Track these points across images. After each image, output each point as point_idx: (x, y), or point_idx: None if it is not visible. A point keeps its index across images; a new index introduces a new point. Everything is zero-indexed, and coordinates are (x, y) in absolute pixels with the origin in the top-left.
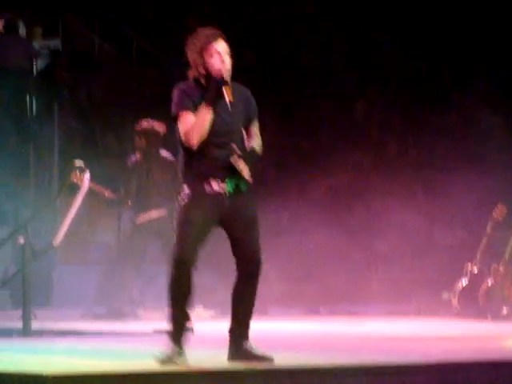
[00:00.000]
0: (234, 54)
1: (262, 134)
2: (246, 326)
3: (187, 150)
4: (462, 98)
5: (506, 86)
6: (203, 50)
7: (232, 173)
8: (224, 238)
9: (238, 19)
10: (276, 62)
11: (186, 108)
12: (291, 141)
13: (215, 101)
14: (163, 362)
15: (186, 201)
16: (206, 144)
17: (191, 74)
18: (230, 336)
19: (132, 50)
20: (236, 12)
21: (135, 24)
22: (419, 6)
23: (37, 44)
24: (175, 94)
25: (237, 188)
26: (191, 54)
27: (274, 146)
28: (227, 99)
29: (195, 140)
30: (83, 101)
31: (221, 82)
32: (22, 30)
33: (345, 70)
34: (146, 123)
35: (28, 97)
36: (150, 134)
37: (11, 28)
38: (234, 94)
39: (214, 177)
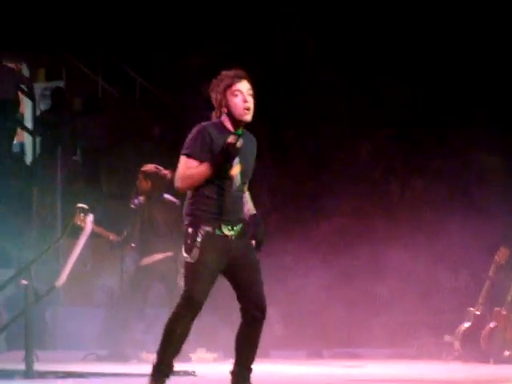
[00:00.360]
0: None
1: (263, 178)
2: (249, 370)
3: (196, 195)
4: (461, 141)
5: (504, 127)
6: (226, 90)
7: (240, 215)
8: (226, 281)
9: (239, 60)
10: (277, 102)
11: (194, 154)
12: (293, 184)
13: (220, 167)
14: None
15: (196, 242)
16: (216, 186)
17: (215, 115)
18: (232, 378)
19: (135, 92)
20: (238, 54)
21: (138, 65)
22: (424, 50)
23: (40, 86)
24: (194, 132)
25: (240, 232)
26: (215, 95)
27: (275, 190)
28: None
29: (184, 187)
30: (86, 143)
31: (232, 149)
32: (26, 72)
33: (347, 114)
34: (153, 167)
35: (32, 138)
36: (156, 177)
37: None
38: (246, 144)
39: (225, 218)
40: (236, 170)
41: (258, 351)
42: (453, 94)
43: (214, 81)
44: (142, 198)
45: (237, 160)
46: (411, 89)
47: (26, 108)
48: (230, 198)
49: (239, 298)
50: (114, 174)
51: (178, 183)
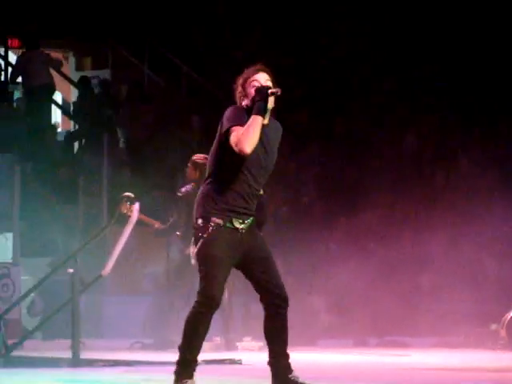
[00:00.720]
0: (283, 87)
1: (309, 166)
2: (286, 358)
3: (214, 181)
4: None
5: None
6: (245, 82)
7: (252, 210)
8: None
9: (284, 51)
10: (326, 91)
11: (240, 123)
12: (338, 172)
13: (263, 108)
14: None
15: (207, 235)
16: (236, 174)
17: None
18: (271, 369)
19: (181, 81)
20: (282, 44)
21: (184, 54)
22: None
23: (86, 74)
24: (230, 110)
25: (251, 225)
26: (236, 91)
27: (321, 178)
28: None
29: (247, 146)
30: (133, 132)
31: (267, 89)
32: (72, 61)
33: (396, 102)
34: (202, 156)
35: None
36: (205, 166)
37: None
38: (271, 131)
39: (238, 213)
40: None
41: (305, 340)
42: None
43: (237, 78)
44: (189, 187)
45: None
46: (460, 73)
47: (73, 96)
48: (245, 193)
49: (259, 291)
50: (159, 164)
51: (238, 147)
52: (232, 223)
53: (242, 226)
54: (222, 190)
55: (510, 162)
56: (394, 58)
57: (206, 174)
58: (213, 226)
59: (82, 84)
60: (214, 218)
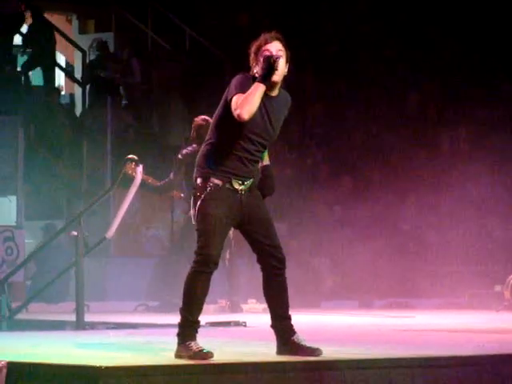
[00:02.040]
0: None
1: (315, 129)
2: (288, 319)
3: (214, 144)
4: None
5: None
6: (257, 51)
7: (253, 173)
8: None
9: (289, 17)
10: (328, 54)
11: (242, 91)
12: (343, 136)
13: (267, 76)
14: (193, 357)
15: (205, 194)
16: (237, 139)
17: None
18: (274, 331)
19: (185, 44)
20: (287, 10)
21: (188, 17)
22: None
23: (89, 37)
24: (237, 78)
25: (251, 186)
26: (250, 57)
27: (325, 139)
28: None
29: (245, 112)
30: (136, 94)
31: (273, 57)
32: (75, 24)
33: (398, 63)
34: (201, 118)
35: (81, 89)
36: (204, 128)
37: None
38: (279, 103)
39: (237, 175)
40: (279, 75)
41: (310, 302)
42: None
43: (252, 43)
44: (189, 149)
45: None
46: (464, 39)
47: (76, 59)
48: (245, 158)
49: (256, 252)
50: (164, 125)
51: (236, 113)
52: (231, 184)
53: (242, 187)
54: (222, 153)
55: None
56: (396, 20)
57: (208, 135)
58: (211, 186)
59: (102, 48)
60: (212, 179)
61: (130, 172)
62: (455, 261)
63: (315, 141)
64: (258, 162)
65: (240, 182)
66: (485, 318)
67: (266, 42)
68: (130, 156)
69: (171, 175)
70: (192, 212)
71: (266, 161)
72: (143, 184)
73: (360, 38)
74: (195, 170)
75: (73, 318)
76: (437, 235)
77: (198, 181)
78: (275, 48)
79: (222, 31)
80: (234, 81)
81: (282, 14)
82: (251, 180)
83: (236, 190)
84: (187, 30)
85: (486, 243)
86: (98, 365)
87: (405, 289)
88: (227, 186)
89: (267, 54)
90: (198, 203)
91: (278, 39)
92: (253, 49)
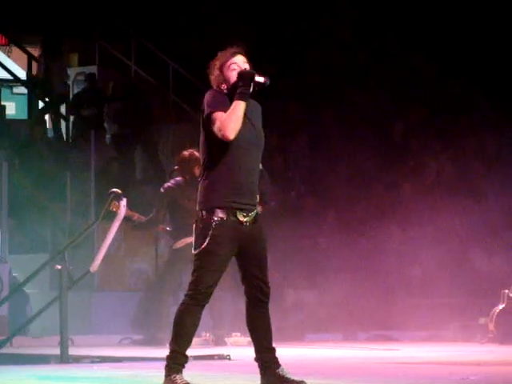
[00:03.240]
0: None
1: (299, 161)
2: (272, 352)
3: (210, 170)
4: (498, 120)
5: None
6: (223, 67)
7: (254, 201)
8: None
9: (274, 46)
10: (313, 84)
11: (221, 107)
12: (328, 166)
13: (247, 93)
14: None
15: (209, 229)
16: (231, 152)
17: None
18: (258, 364)
19: (169, 77)
20: (273, 41)
21: (171, 51)
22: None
23: (73, 71)
24: (209, 95)
25: (255, 218)
26: (212, 75)
27: (309, 172)
28: (262, 79)
29: (230, 132)
30: (120, 128)
31: (251, 73)
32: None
33: (383, 94)
34: (186, 152)
35: (65, 122)
36: (187, 162)
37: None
38: (252, 110)
39: (241, 203)
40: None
41: (294, 335)
42: (489, 74)
43: (211, 62)
44: (172, 182)
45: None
46: (447, 70)
47: None
48: (244, 174)
49: (244, 283)
50: (148, 159)
51: (221, 133)
52: (236, 216)
53: (246, 219)
54: (220, 176)
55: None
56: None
57: (202, 167)
58: (216, 221)
59: (91, 81)
60: (217, 211)
61: (113, 209)
62: (439, 293)
63: (299, 173)
64: (256, 176)
65: (244, 214)
66: (469, 351)
67: (230, 57)
68: (114, 190)
69: (154, 211)
70: (193, 242)
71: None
72: (128, 219)
73: (343, 68)
74: (198, 202)
75: (57, 351)
76: (421, 268)
77: (203, 213)
78: (241, 61)
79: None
80: (206, 98)
81: (264, 43)
82: (255, 211)
83: (241, 222)
84: (171, 64)
85: (470, 275)
86: None
87: (389, 321)
88: (232, 218)
89: (236, 68)
90: (201, 238)
91: (240, 53)
92: (216, 66)
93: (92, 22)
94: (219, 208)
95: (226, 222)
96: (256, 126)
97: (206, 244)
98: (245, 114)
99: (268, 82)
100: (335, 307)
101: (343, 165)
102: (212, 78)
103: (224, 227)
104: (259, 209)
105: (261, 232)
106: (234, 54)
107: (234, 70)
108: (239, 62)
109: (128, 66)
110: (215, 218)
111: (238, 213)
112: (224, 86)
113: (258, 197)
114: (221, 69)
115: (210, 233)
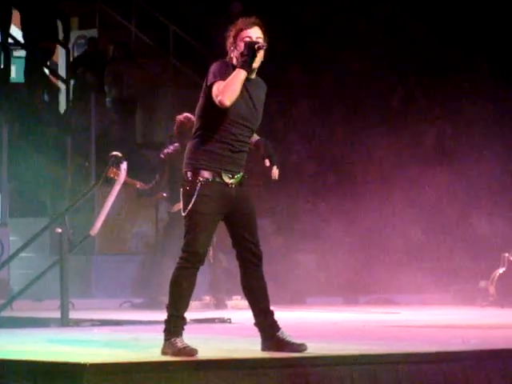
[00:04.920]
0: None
1: (300, 125)
2: (270, 315)
3: (202, 135)
4: (498, 89)
5: None
6: (237, 36)
7: (242, 165)
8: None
9: (277, 16)
10: (313, 50)
11: (224, 78)
12: (328, 130)
13: (249, 62)
14: (177, 354)
15: (195, 189)
16: (224, 125)
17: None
18: (258, 328)
19: (169, 40)
20: (273, 7)
21: (172, 14)
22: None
23: (73, 34)
24: (215, 65)
25: (241, 180)
26: (228, 41)
27: (310, 136)
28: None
29: (227, 98)
30: (120, 91)
31: (255, 44)
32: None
33: (384, 60)
34: (183, 116)
35: (65, 86)
36: (186, 125)
37: None
38: (256, 89)
39: (226, 167)
40: (258, 61)
41: (295, 298)
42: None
43: (230, 27)
44: (170, 148)
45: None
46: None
47: (60, 56)
48: (232, 146)
49: (236, 246)
50: (148, 123)
51: (218, 99)
52: (221, 177)
53: (232, 180)
54: (210, 143)
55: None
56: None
57: (194, 128)
58: (201, 181)
59: (92, 45)
60: (202, 172)
61: (112, 176)
62: (440, 257)
63: (299, 137)
64: (246, 149)
65: (230, 176)
66: (470, 314)
67: (246, 28)
68: (115, 153)
69: (157, 177)
70: (181, 206)
71: (256, 136)
72: (128, 186)
73: (343, 34)
74: (184, 163)
75: (57, 315)
76: (422, 231)
77: (188, 174)
78: (255, 34)
79: (207, 28)
80: (213, 67)
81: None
82: (241, 174)
83: (226, 184)
84: (171, 27)
85: (470, 239)
86: (82, 362)
87: (390, 285)
88: (217, 179)
89: (248, 40)
90: (187, 199)
91: (257, 25)
92: (231, 33)
93: None
94: (205, 169)
95: (211, 183)
96: (257, 107)
97: (192, 204)
98: (248, 93)
99: (265, 47)
100: (335, 271)
101: (342, 129)
102: (227, 44)
103: (209, 187)
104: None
105: (248, 195)
106: (249, 26)
107: (245, 40)
108: (252, 34)
109: (128, 30)
110: (200, 179)
111: (223, 174)
112: (235, 54)
113: (243, 167)
114: (235, 36)
115: (195, 193)
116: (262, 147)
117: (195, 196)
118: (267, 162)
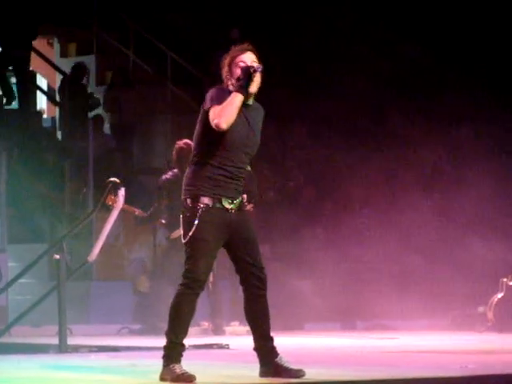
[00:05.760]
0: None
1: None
2: (270, 341)
3: (200, 161)
4: (495, 109)
5: None
6: (231, 63)
7: (240, 190)
8: None
9: (272, 40)
10: (311, 74)
11: (222, 103)
12: (326, 155)
13: (245, 86)
14: (176, 380)
15: (195, 216)
16: (221, 151)
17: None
18: (257, 353)
19: (167, 67)
20: (271, 33)
21: (169, 40)
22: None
23: (71, 60)
24: (212, 91)
25: (240, 205)
26: (223, 70)
27: (308, 162)
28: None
29: (224, 121)
30: (118, 117)
31: (251, 68)
32: (57, 46)
33: (380, 84)
34: (183, 142)
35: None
36: (184, 152)
37: None
38: (255, 114)
39: (226, 193)
40: (255, 86)
41: (293, 324)
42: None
43: (224, 56)
44: (169, 174)
45: (257, 75)
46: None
47: (58, 82)
48: (231, 172)
49: (239, 271)
50: (146, 149)
51: (215, 122)
52: (221, 203)
53: (231, 206)
54: (208, 169)
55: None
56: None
57: (192, 155)
58: (202, 207)
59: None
60: (202, 198)
61: (110, 203)
62: (438, 282)
63: (297, 162)
64: (243, 174)
65: (230, 201)
66: (468, 339)
67: (240, 53)
68: (112, 179)
69: (155, 203)
70: (181, 233)
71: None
72: (124, 210)
73: (341, 56)
74: (183, 190)
75: (56, 341)
76: (421, 257)
77: (188, 201)
78: (249, 59)
79: (205, 54)
80: (209, 93)
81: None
82: (240, 199)
83: (226, 209)
84: (169, 54)
85: (468, 264)
86: None
87: (388, 310)
88: (217, 205)
89: (243, 64)
90: (188, 226)
91: (251, 50)
92: (226, 61)
93: (90, 11)
94: (204, 196)
95: (211, 209)
96: (255, 132)
97: (193, 231)
98: (246, 119)
99: (260, 69)
100: (333, 297)
101: (341, 154)
102: (222, 72)
103: (210, 213)
104: (245, 197)
105: (247, 219)
106: (243, 51)
107: (241, 66)
108: (247, 59)
109: (126, 56)
110: (201, 205)
111: (223, 200)
112: (231, 82)
113: (242, 194)
114: (229, 64)
115: (196, 220)
116: (246, 180)
117: (196, 222)
118: (244, 197)
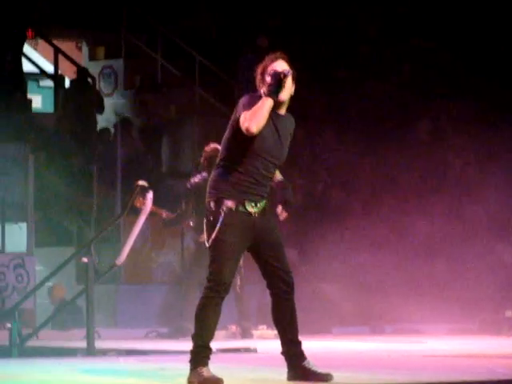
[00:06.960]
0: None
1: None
2: (298, 344)
3: (226, 166)
4: None
5: None
6: (263, 72)
7: (264, 196)
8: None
9: (299, 45)
10: (339, 79)
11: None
12: (354, 159)
13: (275, 91)
14: (203, 383)
15: (218, 219)
16: (248, 158)
17: None
18: (285, 357)
19: (195, 70)
20: (298, 37)
21: (198, 44)
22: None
23: (100, 64)
24: (245, 97)
25: (263, 209)
26: (256, 79)
27: (336, 165)
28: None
29: (253, 125)
30: (146, 121)
31: (281, 73)
32: (85, 50)
33: (409, 89)
34: (212, 146)
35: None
36: (214, 156)
37: None
38: (285, 125)
39: (250, 197)
40: (286, 94)
41: (321, 328)
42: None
43: (258, 65)
44: (198, 177)
45: (288, 84)
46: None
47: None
48: (256, 178)
49: (266, 276)
50: (174, 152)
51: (245, 126)
52: (244, 207)
53: (255, 209)
54: (233, 174)
55: None
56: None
57: (218, 159)
58: (225, 211)
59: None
60: (226, 201)
61: (138, 205)
62: (466, 286)
63: (325, 166)
64: (269, 182)
65: (253, 205)
66: (496, 343)
67: (272, 62)
68: (141, 182)
69: (183, 206)
70: (205, 236)
71: (279, 176)
72: (154, 214)
73: (367, 62)
74: (207, 193)
75: (83, 344)
76: (448, 261)
77: (212, 204)
78: (280, 67)
79: (233, 57)
80: (242, 100)
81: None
82: (264, 202)
83: (249, 213)
84: (197, 57)
85: (496, 268)
86: None
87: (416, 314)
88: (240, 208)
89: (273, 71)
90: (211, 229)
91: (283, 59)
92: (259, 70)
93: (118, 14)
94: (228, 199)
95: (234, 212)
96: (284, 144)
97: (216, 233)
98: (276, 128)
99: (290, 73)
100: (361, 300)
101: (369, 158)
102: (256, 80)
103: (233, 216)
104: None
105: (271, 222)
106: (274, 60)
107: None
108: (278, 67)
109: (154, 59)
110: (224, 208)
111: (246, 203)
112: (264, 90)
113: (266, 197)
114: (262, 73)
115: (219, 223)
116: (280, 191)
117: (219, 225)
118: (279, 209)
